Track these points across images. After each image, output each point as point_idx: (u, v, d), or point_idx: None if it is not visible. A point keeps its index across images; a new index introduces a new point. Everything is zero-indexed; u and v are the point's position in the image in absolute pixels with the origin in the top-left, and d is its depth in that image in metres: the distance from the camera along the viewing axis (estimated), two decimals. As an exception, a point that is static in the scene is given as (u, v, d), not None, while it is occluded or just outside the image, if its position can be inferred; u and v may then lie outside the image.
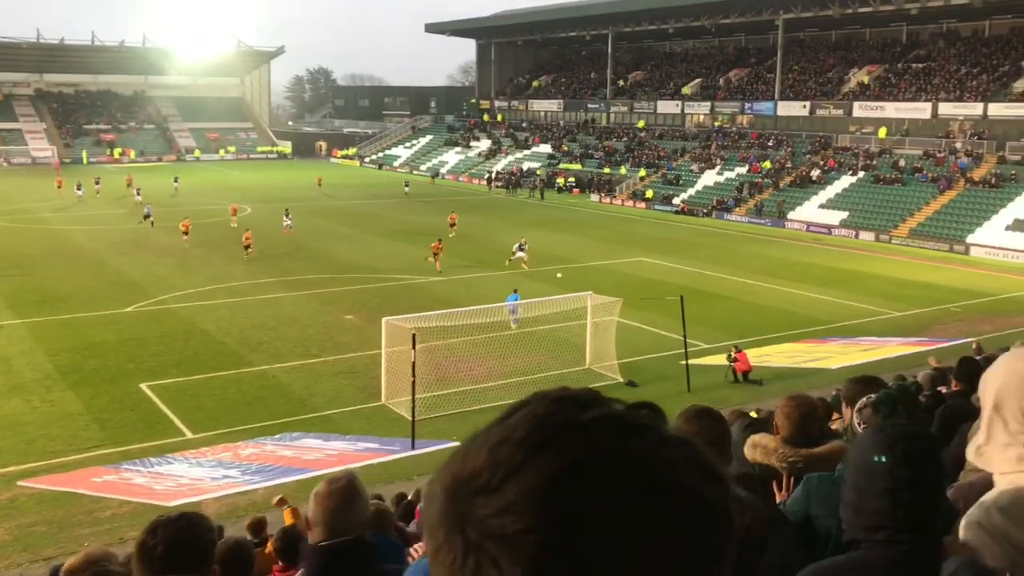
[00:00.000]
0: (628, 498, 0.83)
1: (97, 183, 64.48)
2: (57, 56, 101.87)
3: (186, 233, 42.35)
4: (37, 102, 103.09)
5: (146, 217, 50.57)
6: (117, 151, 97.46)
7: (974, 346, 19.50)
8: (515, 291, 29.94)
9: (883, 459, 2.35)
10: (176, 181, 67.69)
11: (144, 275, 37.32)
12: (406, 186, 70.51)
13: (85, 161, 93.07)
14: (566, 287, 32.84)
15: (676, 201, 65.30)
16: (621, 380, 24.52)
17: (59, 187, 64.50)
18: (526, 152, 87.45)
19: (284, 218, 49.02)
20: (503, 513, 0.83)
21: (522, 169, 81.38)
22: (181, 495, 16.13)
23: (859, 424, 4.21)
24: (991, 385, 2.35)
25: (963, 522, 2.24)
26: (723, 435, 3.69)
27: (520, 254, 39.87)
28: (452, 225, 48.18)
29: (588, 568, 0.81)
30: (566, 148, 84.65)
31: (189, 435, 20.51)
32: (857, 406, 4.29)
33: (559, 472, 0.83)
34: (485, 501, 0.85)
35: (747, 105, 75.90)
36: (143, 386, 23.51)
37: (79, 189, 61.31)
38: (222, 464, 17.87)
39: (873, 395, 4.14)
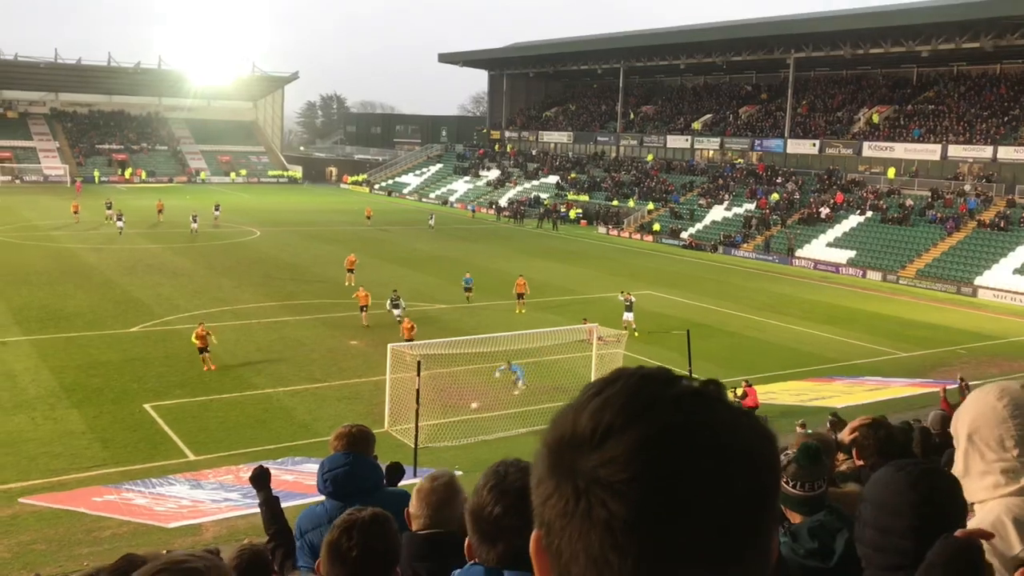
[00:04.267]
0: (718, 456, 1.00)
1: (113, 211, 59.80)
2: (74, 76, 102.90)
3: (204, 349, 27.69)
4: (52, 121, 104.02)
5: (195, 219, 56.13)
6: (128, 171, 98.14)
7: (959, 380, 18.91)
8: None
9: (906, 496, 2.35)
10: (217, 209, 63.67)
11: (150, 295, 37.43)
12: (431, 219, 68.70)
13: (97, 180, 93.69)
14: (571, 318, 32.82)
15: (683, 235, 65.42)
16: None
17: (75, 212, 61.08)
18: (535, 182, 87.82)
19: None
20: (607, 464, 1.00)
21: (531, 199, 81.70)
22: (182, 517, 16.08)
23: (784, 481, 3.78)
24: (964, 418, 2.50)
25: None
26: None
27: (628, 316, 33.55)
28: (350, 271, 41.97)
29: (687, 511, 0.98)
30: (574, 178, 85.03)
31: (191, 456, 20.48)
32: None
33: (657, 433, 1.00)
34: (590, 455, 1.02)
35: (757, 142, 76.23)
36: (147, 406, 23.52)
37: (120, 220, 56.21)
38: (223, 487, 17.80)
39: (791, 450, 3.95)
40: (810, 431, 15.73)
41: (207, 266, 45.30)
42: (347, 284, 40.32)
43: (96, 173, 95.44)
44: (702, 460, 1.00)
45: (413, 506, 3.44)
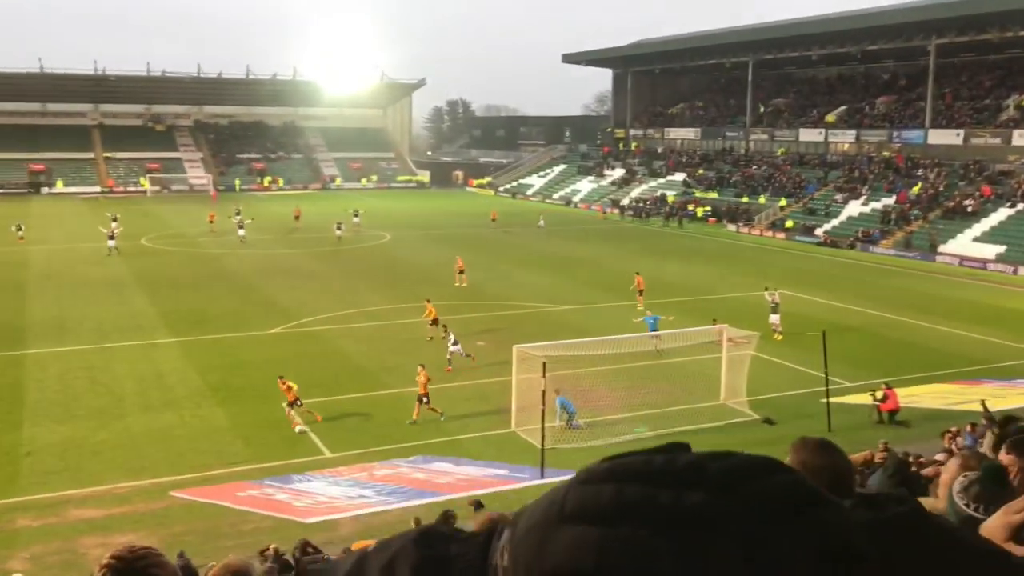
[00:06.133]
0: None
1: (240, 217, 61.20)
2: (215, 89, 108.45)
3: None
4: (196, 132, 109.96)
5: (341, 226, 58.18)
6: (267, 179, 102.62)
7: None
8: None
9: None
10: (357, 215, 64.55)
11: (288, 298, 38.94)
12: (541, 221, 68.12)
13: (237, 188, 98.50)
14: (699, 318, 32.21)
15: (818, 232, 63.20)
16: (756, 417, 23.82)
17: (211, 221, 62.65)
18: (660, 180, 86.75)
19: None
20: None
21: (657, 197, 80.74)
22: (319, 512, 16.65)
23: (964, 504, 3.24)
24: None
25: None
26: (849, 469, 3.28)
27: (774, 318, 32.35)
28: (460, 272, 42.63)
29: None
30: (701, 175, 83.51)
31: (327, 454, 21.18)
32: (960, 485, 3.31)
33: None
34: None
35: (895, 133, 72.89)
36: (286, 405, 24.45)
37: (241, 228, 56.60)
38: (358, 484, 18.34)
39: (971, 473, 3.26)
40: (888, 449, 14.61)
41: (341, 270, 46.83)
42: (456, 285, 41.30)
43: (237, 182, 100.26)
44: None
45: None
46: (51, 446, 21.37)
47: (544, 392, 20.37)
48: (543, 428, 20.09)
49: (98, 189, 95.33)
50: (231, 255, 51.58)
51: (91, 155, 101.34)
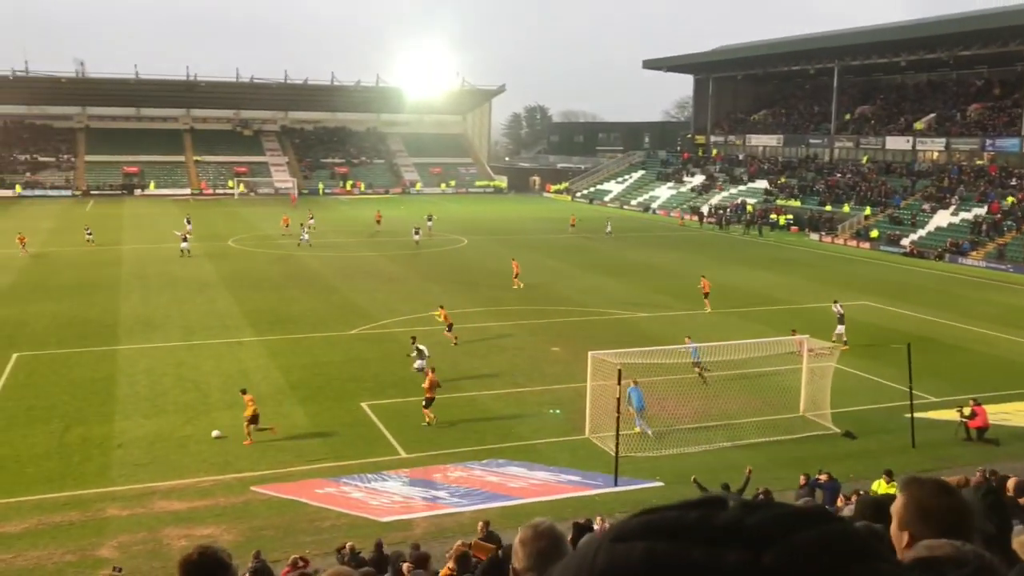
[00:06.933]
0: None
1: (313, 221, 63.78)
2: (301, 95, 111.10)
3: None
4: (282, 137, 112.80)
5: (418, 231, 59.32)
6: (349, 183, 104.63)
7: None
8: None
9: None
10: (430, 220, 65.19)
11: (368, 300, 39.60)
12: (608, 226, 67.26)
13: (321, 192, 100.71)
14: (779, 329, 31.63)
15: (904, 242, 61.41)
16: (837, 431, 23.28)
17: (286, 225, 63.39)
18: (741, 188, 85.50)
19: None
20: None
21: (737, 205, 79.59)
22: (394, 512, 16.90)
23: None
24: None
25: None
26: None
27: (840, 329, 31.48)
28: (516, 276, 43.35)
29: None
30: (783, 183, 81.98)
31: (403, 454, 21.46)
32: None
33: None
34: None
35: (988, 141, 70.37)
36: (363, 404, 24.90)
37: (305, 232, 57.82)
38: (432, 485, 18.56)
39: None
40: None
41: (419, 273, 47.43)
42: (514, 287, 42.32)
43: (320, 185, 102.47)
44: None
45: (518, 559, 2.93)
46: (139, 439, 22.16)
47: (619, 400, 20.28)
48: (618, 436, 20.00)
49: (188, 191, 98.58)
50: (312, 257, 52.69)
51: (182, 158, 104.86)
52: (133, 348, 30.97)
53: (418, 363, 27.46)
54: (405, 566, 12.64)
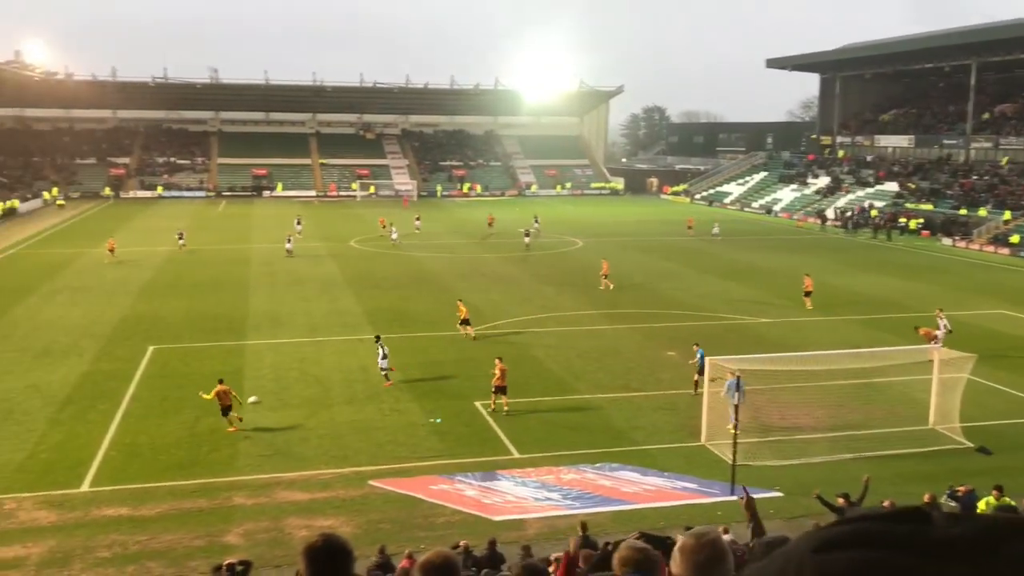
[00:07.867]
0: None
1: (418, 222, 66.21)
2: (421, 99, 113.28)
3: None
4: (402, 141, 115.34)
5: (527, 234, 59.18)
6: (466, 186, 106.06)
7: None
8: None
9: None
10: (536, 222, 65.95)
11: (483, 300, 39.98)
12: (714, 228, 66.08)
13: (439, 195, 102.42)
14: (908, 337, 30.27)
15: (1047, 248, 57.87)
16: (970, 445, 22.11)
17: (383, 226, 64.84)
18: (868, 190, 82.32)
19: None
20: None
21: (864, 207, 76.67)
22: (507, 511, 17.00)
23: None
24: None
25: None
26: None
27: (940, 331, 30.68)
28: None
29: None
30: (914, 186, 78.49)
31: (516, 454, 21.57)
32: None
33: None
34: None
35: None
36: (477, 404, 25.15)
37: (394, 232, 60.75)
38: (544, 486, 18.58)
39: None
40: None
41: (533, 274, 47.60)
42: (601, 288, 42.40)
43: (438, 188, 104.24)
44: None
45: (676, 565, 2.89)
46: (265, 431, 23.03)
47: (736, 407, 19.83)
48: (735, 443, 19.56)
49: (313, 193, 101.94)
50: (430, 258, 53.60)
51: (308, 161, 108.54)
52: (260, 343, 32.22)
53: (382, 363, 27.33)
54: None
